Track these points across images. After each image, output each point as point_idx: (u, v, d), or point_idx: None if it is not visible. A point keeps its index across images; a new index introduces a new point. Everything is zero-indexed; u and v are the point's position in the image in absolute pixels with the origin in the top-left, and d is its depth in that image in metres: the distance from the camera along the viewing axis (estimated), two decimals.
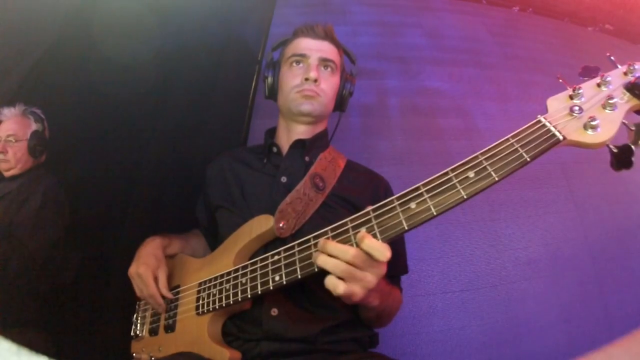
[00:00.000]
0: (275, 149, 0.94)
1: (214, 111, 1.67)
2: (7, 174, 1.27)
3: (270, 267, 0.69)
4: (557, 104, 0.60)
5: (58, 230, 1.26)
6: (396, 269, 0.86)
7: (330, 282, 0.59)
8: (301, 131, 0.94)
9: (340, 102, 1.00)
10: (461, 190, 0.56)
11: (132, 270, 0.85)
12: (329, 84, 0.93)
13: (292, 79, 0.92)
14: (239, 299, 0.72)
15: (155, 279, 0.84)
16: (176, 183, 1.52)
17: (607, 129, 0.56)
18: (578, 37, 2.23)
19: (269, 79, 0.98)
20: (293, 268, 0.66)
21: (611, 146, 0.57)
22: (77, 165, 1.40)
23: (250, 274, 0.72)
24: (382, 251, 0.58)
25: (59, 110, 1.39)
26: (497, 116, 1.89)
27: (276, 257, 0.69)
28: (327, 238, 0.63)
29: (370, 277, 0.60)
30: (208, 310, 0.77)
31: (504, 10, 2.36)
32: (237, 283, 0.73)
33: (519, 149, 0.56)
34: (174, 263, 0.94)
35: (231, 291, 0.74)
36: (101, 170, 1.43)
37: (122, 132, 1.51)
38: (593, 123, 0.55)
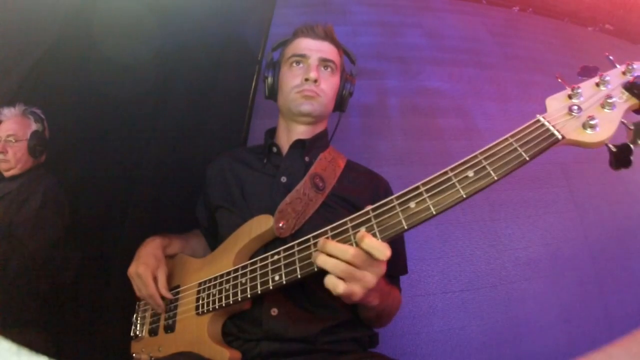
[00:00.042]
0: (275, 149, 0.94)
1: (214, 111, 1.67)
2: (7, 174, 1.27)
3: (270, 267, 0.69)
4: (556, 103, 0.60)
5: (58, 230, 1.26)
6: (396, 269, 0.86)
7: (330, 282, 0.59)
8: (301, 131, 0.94)
9: (340, 102, 1.00)
10: (460, 190, 0.56)
11: (132, 270, 0.85)
12: (329, 84, 0.94)
13: (292, 79, 0.92)
14: (239, 299, 0.72)
15: (155, 279, 0.84)
16: (176, 183, 1.52)
17: (606, 128, 0.56)
18: (578, 37, 2.23)
19: (269, 79, 0.99)
20: (293, 268, 0.66)
21: (610, 145, 0.57)
22: (77, 165, 1.41)
23: (250, 274, 0.72)
24: (382, 250, 0.58)
25: (59, 110, 1.39)
26: (497, 116, 1.88)
27: (276, 257, 0.69)
28: (327, 238, 0.63)
29: (370, 277, 0.60)
30: (208, 310, 0.78)
31: (504, 10, 2.35)
32: (237, 283, 0.73)
33: (518, 148, 0.56)
34: (174, 263, 0.94)
35: (231, 291, 0.74)
36: (101, 170, 1.43)
37: (122, 132, 1.51)
38: (592, 122, 0.55)
